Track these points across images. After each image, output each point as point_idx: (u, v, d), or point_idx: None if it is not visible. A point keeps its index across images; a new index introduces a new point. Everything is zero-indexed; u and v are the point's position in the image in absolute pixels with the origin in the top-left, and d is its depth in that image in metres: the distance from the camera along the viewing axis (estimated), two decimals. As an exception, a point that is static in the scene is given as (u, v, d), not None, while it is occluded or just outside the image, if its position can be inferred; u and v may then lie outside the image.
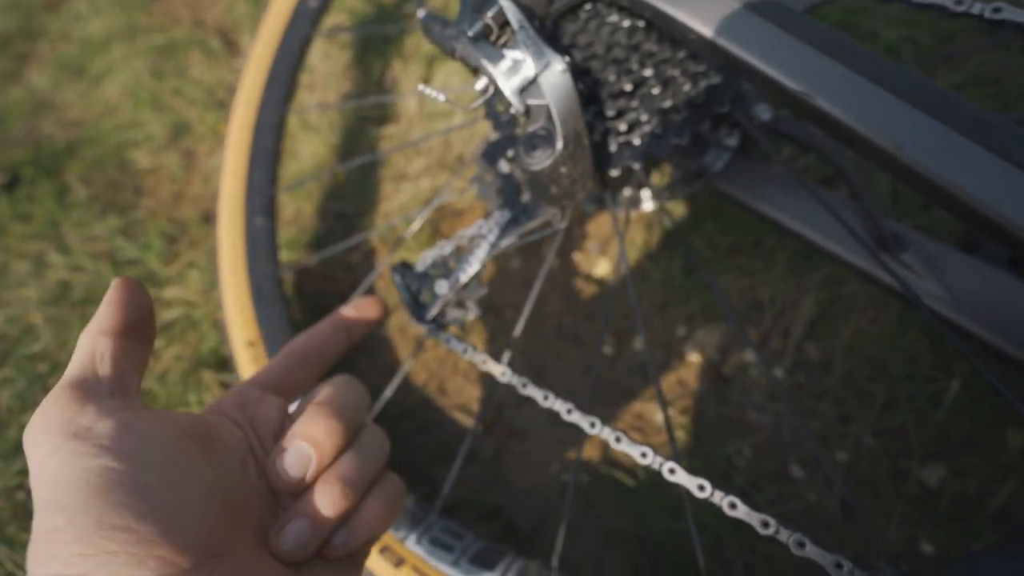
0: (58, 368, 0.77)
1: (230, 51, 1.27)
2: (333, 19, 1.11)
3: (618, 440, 0.40)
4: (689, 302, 0.70)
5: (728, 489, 0.36)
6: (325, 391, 0.28)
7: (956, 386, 0.56)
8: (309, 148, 1.03)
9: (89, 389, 0.22)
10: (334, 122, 1.05)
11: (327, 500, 0.23)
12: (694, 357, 0.69)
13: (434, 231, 0.86)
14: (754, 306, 0.68)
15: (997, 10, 0.34)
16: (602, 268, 0.77)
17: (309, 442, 0.24)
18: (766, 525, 0.35)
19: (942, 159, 0.31)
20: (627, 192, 0.59)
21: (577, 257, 0.79)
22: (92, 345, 0.25)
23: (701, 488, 0.37)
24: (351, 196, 0.96)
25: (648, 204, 0.60)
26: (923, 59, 0.62)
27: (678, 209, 0.74)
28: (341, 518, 0.24)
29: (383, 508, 0.25)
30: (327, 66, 1.10)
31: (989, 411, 0.56)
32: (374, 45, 1.04)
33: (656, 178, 0.71)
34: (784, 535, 0.34)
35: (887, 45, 0.64)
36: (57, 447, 0.19)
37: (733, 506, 0.36)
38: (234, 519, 0.21)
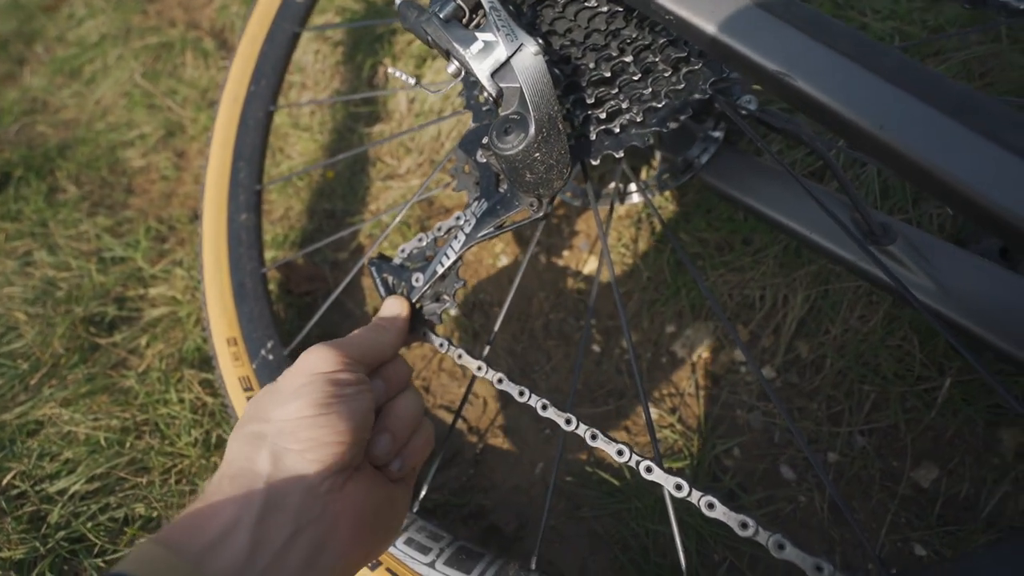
0: (39, 366, 0.76)
1: (224, 52, 1.27)
2: (323, 17, 1.11)
3: (593, 437, 0.39)
4: (678, 299, 0.69)
5: (707, 489, 0.35)
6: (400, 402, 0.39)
7: (948, 385, 0.55)
8: (300, 146, 1.03)
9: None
10: (325, 121, 1.04)
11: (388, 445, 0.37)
12: (683, 355, 0.67)
13: (422, 228, 0.85)
14: (744, 304, 0.67)
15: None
16: (590, 265, 0.75)
17: (391, 434, 0.36)
18: (744, 526, 0.33)
19: (925, 140, 0.30)
20: (612, 186, 0.58)
21: (566, 255, 0.77)
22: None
23: (678, 487, 0.36)
24: (340, 195, 0.95)
25: (634, 197, 0.59)
26: (911, 51, 0.61)
27: (667, 205, 0.73)
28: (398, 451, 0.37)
29: (421, 445, 0.38)
30: (318, 64, 1.09)
31: (982, 410, 0.54)
32: (364, 43, 1.04)
33: (644, 172, 0.70)
34: (763, 536, 0.33)
35: (876, 37, 0.63)
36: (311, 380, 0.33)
37: (711, 506, 0.34)
38: (361, 447, 0.34)
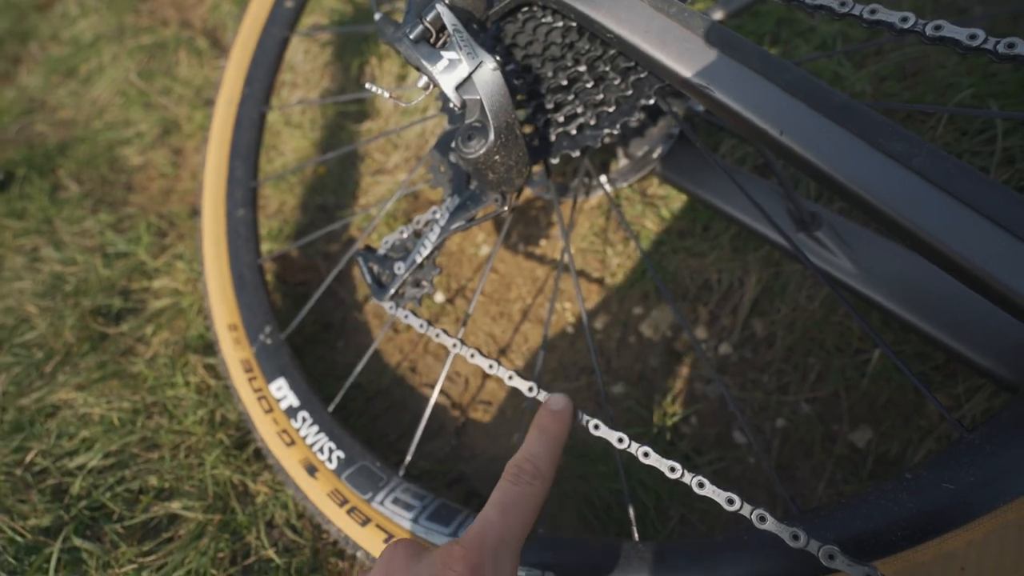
0: (52, 355, 0.81)
1: (216, 50, 1.31)
2: (313, 19, 1.15)
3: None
4: (644, 283, 0.75)
5: (643, 442, 0.40)
6: None
7: (877, 355, 0.61)
8: (292, 144, 1.07)
9: None
10: (316, 119, 1.09)
11: None
12: (649, 335, 0.73)
13: (408, 221, 0.91)
14: (704, 286, 0.73)
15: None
16: (566, 254, 0.81)
17: None
18: (673, 470, 0.39)
19: (814, 142, 0.35)
20: (575, 182, 0.64)
21: (543, 243, 0.83)
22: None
23: (620, 440, 0.41)
24: (332, 190, 1.00)
25: (597, 192, 0.64)
26: (853, 52, 0.66)
27: (634, 196, 0.79)
28: None
29: None
30: (308, 64, 1.14)
31: (910, 379, 0.61)
32: (352, 43, 1.09)
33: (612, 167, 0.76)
34: (688, 478, 0.38)
35: (822, 39, 0.68)
36: None
37: (647, 455, 0.40)
38: None
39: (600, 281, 0.77)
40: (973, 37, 0.34)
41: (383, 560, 0.29)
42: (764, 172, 0.70)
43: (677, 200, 0.76)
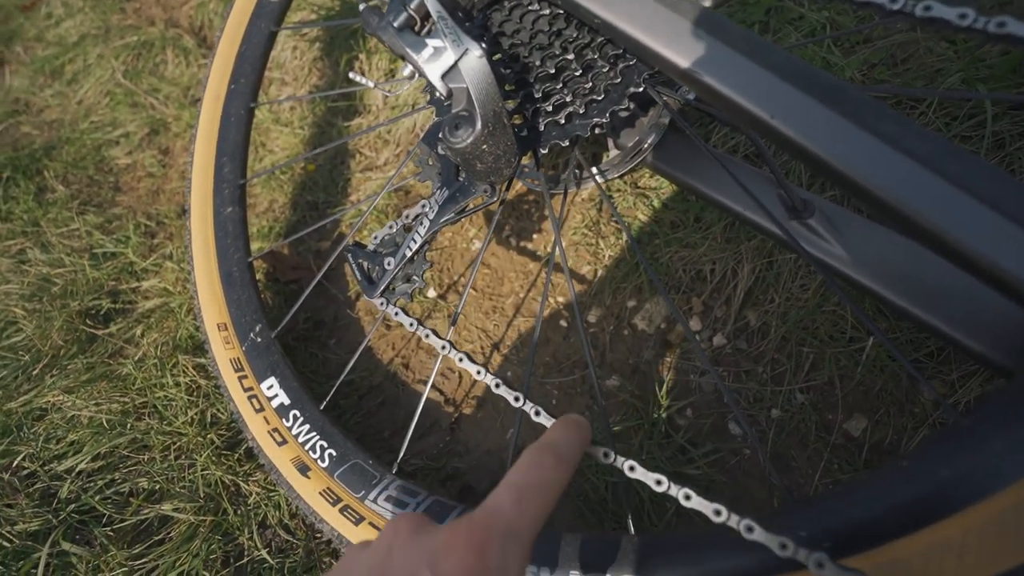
0: (40, 357, 0.80)
1: (203, 49, 1.29)
2: (300, 15, 1.14)
3: (537, 413, 0.44)
4: (638, 275, 0.74)
5: (627, 456, 0.39)
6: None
7: (871, 343, 0.61)
8: (281, 141, 1.06)
9: None
10: (305, 116, 1.08)
11: None
12: (643, 327, 0.73)
13: (399, 216, 0.90)
14: (697, 277, 0.72)
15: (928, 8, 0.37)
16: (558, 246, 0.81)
17: None
18: (659, 483, 0.38)
19: (805, 125, 0.35)
20: (566, 174, 0.63)
21: (535, 237, 0.82)
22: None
23: (606, 455, 0.40)
24: (322, 187, 0.99)
25: (588, 184, 0.64)
26: (842, 38, 0.66)
27: (625, 188, 0.78)
28: None
29: None
30: (296, 60, 1.13)
31: (904, 365, 0.60)
32: (340, 39, 1.07)
33: (604, 158, 0.75)
34: (674, 490, 0.38)
35: (811, 26, 0.68)
36: None
37: (632, 468, 0.39)
38: None
39: (593, 274, 0.77)
40: (963, 16, 0.33)
41: (388, 531, 0.27)
42: (755, 161, 0.70)
43: (668, 191, 0.75)
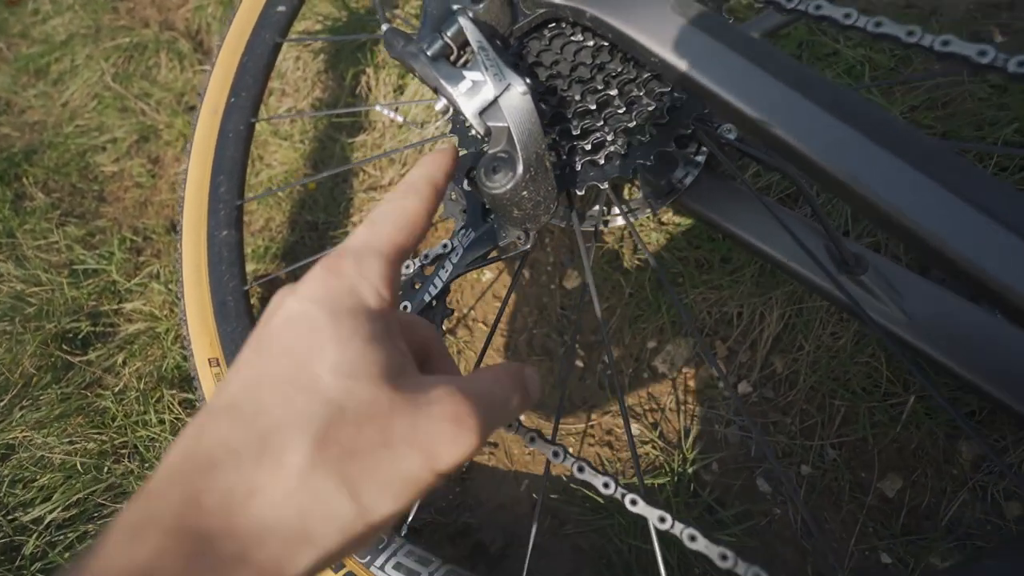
0: (8, 387, 0.74)
1: (200, 54, 1.24)
2: (305, 25, 1.09)
3: (580, 470, 0.40)
4: (659, 316, 0.70)
5: (688, 521, 0.36)
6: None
7: (912, 401, 0.58)
8: (280, 155, 1.01)
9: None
10: (306, 130, 1.03)
11: None
12: (664, 370, 0.69)
13: (416, 254, 0.85)
14: (723, 320, 0.69)
15: (945, 43, 0.35)
16: (573, 280, 0.77)
17: None
18: (724, 558, 0.34)
19: (895, 191, 0.31)
20: (596, 208, 0.59)
21: (548, 270, 0.78)
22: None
23: (662, 519, 0.37)
24: (323, 206, 0.94)
25: (618, 220, 0.60)
26: (881, 81, 0.63)
27: (649, 224, 0.75)
28: None
29: None
30: (299, 72, 1.08)
31: (943, 424, 0.57)
32: (346, 52, 1.03)
33: (627, 193, 0.72)
34: (742, 568, 0.34)
35: (847, 65, 0.66)
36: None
37: (693, 539, 0.36)
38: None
39: (612, 311, 0.73)
40: (983, 54, 0.31)
41: (271, 306, 0.27)
42: (789, 203, 0.67)
43: (693, 228, 0.72)
